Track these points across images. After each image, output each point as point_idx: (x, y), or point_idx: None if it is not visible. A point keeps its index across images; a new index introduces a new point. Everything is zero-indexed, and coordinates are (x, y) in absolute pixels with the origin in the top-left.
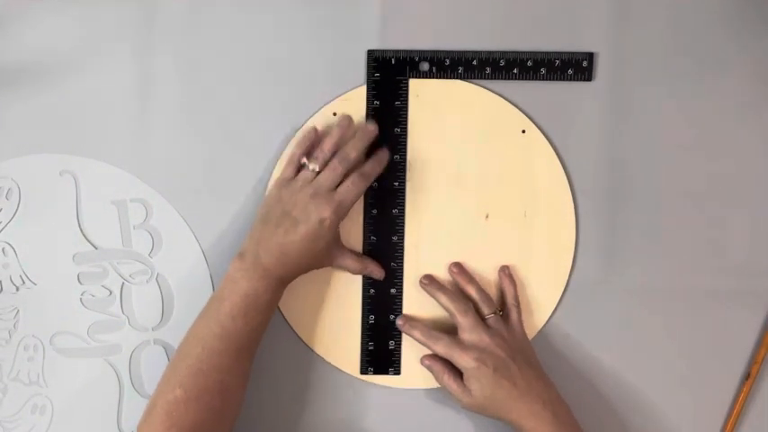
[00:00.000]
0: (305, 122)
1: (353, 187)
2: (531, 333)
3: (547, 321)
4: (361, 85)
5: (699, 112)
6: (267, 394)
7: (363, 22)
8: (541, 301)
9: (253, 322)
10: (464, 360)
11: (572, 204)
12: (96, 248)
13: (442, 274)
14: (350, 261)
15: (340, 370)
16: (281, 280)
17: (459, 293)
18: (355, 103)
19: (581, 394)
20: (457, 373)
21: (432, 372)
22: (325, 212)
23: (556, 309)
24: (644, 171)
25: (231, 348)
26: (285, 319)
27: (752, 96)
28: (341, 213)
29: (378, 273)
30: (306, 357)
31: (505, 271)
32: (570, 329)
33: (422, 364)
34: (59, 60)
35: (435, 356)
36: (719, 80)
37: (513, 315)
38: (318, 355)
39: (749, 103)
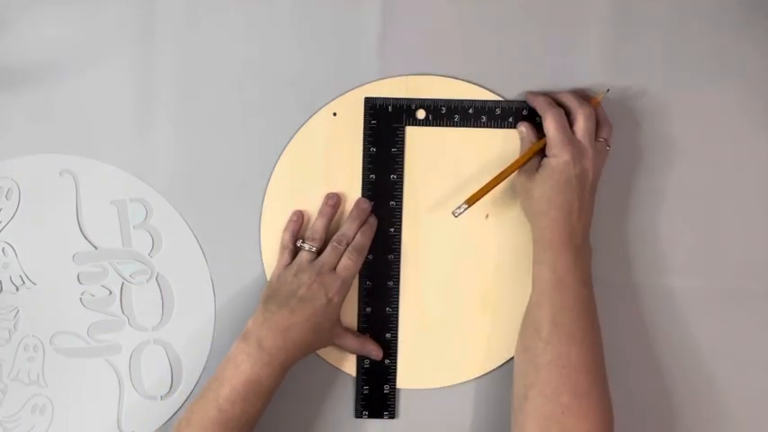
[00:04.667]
0: (305, 122)
1: (352, 264)
2: None
3: None
4: (360, 86)
5: (699, 108)
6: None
7: (363, 21)
8: None
9: (252, 409)
10: (563, 149)
11: None
12: (96, 248)
13: (439, 274)
14: (349, 340)
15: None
16: (284, 365)
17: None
18: (355, 103)
19: None
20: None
21: (523, 135)
22: (332, 291)
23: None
24: (645, 170)
25: None
26: None
27: (754, 93)
28: (344, 291)
29: (376, 353)
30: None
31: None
32: None
33: (520, 126)
34: (60, 61)
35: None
36: (721, 78)
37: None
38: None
39: (751, 100)
